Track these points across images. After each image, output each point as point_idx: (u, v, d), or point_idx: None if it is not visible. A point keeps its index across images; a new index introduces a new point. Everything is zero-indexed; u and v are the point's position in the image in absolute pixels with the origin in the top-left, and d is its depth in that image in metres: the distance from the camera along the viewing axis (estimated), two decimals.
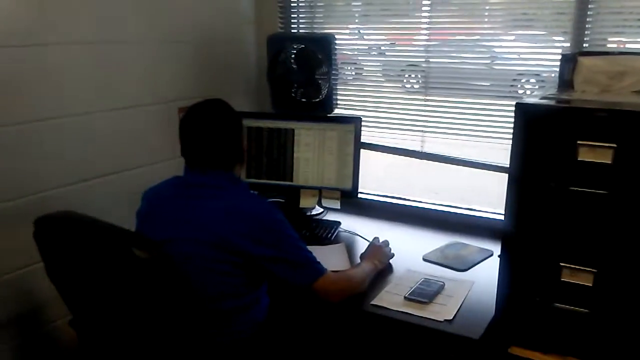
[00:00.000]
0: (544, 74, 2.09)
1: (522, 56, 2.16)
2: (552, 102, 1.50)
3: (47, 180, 1.83)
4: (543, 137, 1.40)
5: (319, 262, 1.64)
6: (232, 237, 1.52)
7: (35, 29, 1.73)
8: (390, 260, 1.95)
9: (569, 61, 1.69)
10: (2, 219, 1.71)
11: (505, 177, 1.50)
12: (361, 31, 2.51)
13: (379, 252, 1.93)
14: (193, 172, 1.63)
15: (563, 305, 1.47)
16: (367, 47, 2.49)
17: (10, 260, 1.75)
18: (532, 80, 2.20)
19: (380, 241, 2.04)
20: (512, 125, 1.44)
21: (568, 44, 1.96)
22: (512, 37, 2.19)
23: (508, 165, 1.46)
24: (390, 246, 2.01)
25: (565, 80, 1.69)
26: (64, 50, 1.82)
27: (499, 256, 1.93)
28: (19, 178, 1.74)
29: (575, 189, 1.39)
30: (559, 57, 1.75)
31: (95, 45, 1.92)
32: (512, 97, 2.11)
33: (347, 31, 2.51)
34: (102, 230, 1.44)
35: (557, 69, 1.70)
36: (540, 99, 1.53)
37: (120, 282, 1.40)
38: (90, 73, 1.91)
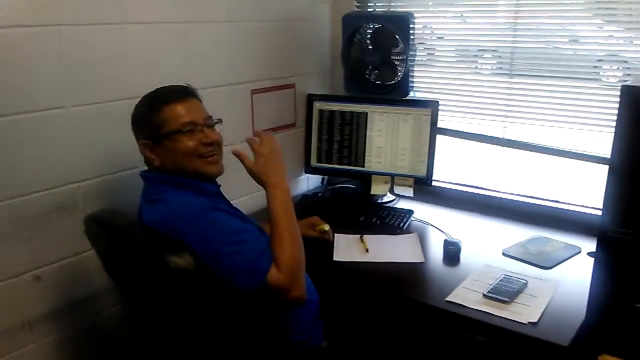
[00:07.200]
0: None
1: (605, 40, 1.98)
2: None
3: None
4: None
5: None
6: None
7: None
8: (467, 253, 1.83)
9: None
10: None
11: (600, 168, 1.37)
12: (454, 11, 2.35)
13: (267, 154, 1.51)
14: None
15: None
16: (447, 28, 2.34)
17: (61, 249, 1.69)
18: (615, 67, 2.00)
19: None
20: (608, 111, 1.29)
21: None
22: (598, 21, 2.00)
23: (609, 156, 1.32)
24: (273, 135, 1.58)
25: None
26: (137, 30, 1.77)
27: (588, 254, 1.79)
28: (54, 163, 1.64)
29: None
30: None
31: (173, 25, 1.86)
32: (594, 80, 1.96)
33: (425, 9, 2.37)
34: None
35: None
36: None
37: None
38: (168, 52, 1.86)
